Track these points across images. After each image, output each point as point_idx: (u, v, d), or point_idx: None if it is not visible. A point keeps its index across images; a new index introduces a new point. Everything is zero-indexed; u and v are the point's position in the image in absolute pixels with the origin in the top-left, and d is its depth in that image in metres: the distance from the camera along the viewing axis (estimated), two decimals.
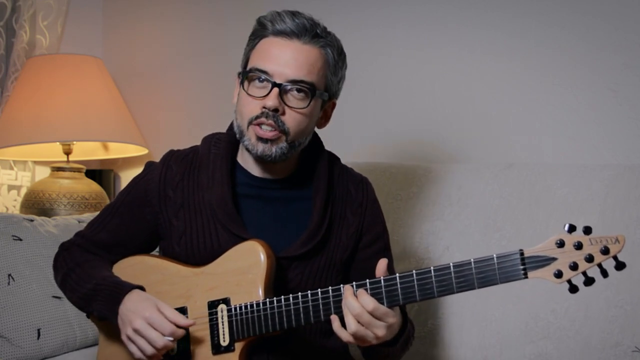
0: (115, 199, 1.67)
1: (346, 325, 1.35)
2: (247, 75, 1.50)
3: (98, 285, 1.54)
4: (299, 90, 1.49)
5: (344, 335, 1.35)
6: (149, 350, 1.44)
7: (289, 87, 1.48)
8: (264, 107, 1.48)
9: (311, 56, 1.50)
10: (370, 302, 1.33)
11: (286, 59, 1.48)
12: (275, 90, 1.47)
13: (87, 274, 1.58)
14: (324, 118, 1.61)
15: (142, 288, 1.53)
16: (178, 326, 1.44)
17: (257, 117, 1.48)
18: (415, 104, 2.34)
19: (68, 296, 1.62)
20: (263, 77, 1.48)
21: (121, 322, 1.48)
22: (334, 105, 1.61)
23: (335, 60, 1.54)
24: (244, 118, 1.51)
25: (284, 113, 1.49)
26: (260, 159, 1.53)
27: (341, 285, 1.38)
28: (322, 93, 1.53)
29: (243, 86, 1.51)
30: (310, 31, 1.50)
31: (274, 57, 1.49)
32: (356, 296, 1.35)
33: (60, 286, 1.65)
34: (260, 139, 1.49)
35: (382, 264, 1.38)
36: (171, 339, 1.44)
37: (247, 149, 1.52)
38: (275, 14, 1.51)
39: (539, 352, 1.70)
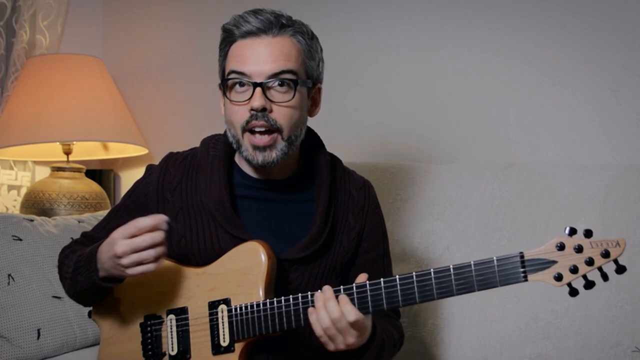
0: (118, 203, 1.68)
1: (319, 321, 1.34)
2: (226, 82, 1.49)
3: (77, 261, 1.53)
4: (281, 84, 1.48)
5: (318, 329, 1.35)
6: (146, 254, 1.39)
7: (270, 83, 1.47)
8: (252, 110, 1.46)
9: (285, 47, 1.48)
10: (352, 314, 1.33)
11: (260, 56, 1.47)
12: (258, 90, 1.46)
13: (72, 258, 1.57)
14: (314, 105, 1.59)
15: None
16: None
17: (247, 122, 1.47)
18: (415, 104, 2.34)
19: (65, 289, 1.62)
20: (243, 80, 1.47)
21: (109, 267, 1.44)
22: (319, 90, 1.60)
23: (308, 45, 1.52)
24: (236, 126, 1.50)
25: (272, 110, 1.47)
26: (261, 167, 1.52)
27: (341, 287, 1.37)
28: (305, 81, 1.51)
29: (226, 95, 1.50)
30: (276, 24, 1.48)
31: (248, 57, 1.47)
32: (338, 301, 1.34)
33: (61, 280, 1.64)
34: (257, 147, 1.48)
35: (360, 279, 1.38)
36: (161, 234, 1.38)
37: (247, 160, 1.51)
38: (238, 17, 1.50)
39: (539, 352, 1.70)
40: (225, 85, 1.50)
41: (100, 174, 3.04)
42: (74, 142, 2.78)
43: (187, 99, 2.93)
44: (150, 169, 1.65)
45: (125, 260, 1.40)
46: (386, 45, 2.40)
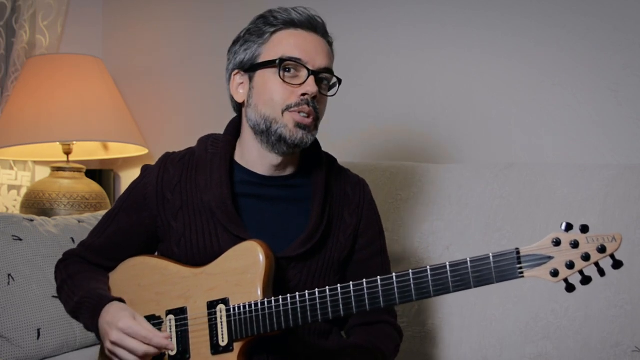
0: (114, 205, 1.67)
1: None
2: (282, 62, 1.51)
3: (83, 298, 1.54)
4: (328, 79, 1.55)
5: None
6: (127, 356, 1.44)
7: (322, 75, 1.53)
8: (304, 95, 1.50)
9: (328, 48, 1.57)
10: None
11: (314, 48, 1.53)
12: (313, 77, 1.50)
13: (77, 286, 1.58)
14: None
15: (122, 300, 1.53)
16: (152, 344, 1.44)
17: (296, 104, 1.50)
18: (416, 104, 2.34)
19: (65, 308, 1.63)
20: (296, 65, 1.51)
21: (102, 336, 1.49)
22: None
23: (334, 54, 1.59)
24: (277, 106, 1.51)
25: (318, 100, 1.53)
26: (294, 147, 1.53)
27: (338, 285, 1.37)
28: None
29: (280, 74, 1.50)
30: (322, 27, 1.56)
31: (302, 46, 1.52)
32: None
33: (58, 297, 1.65)
34: (299, 125, 1.50)
35: None
36: (152, 350, 1.43)
37: (281, 138, 1.51)
38: (286, 8, 1.55)
39: (539, 352, 1.70)
40: (281, 65, 1.51)
41: (100, 174, 3.03)
42: (74, 142, 2.78)
43: (187, 99, 2.93)
44: (146, 169, 1.64)
45: (110, 346, 1.46)
46: (386, 45, 2.40)
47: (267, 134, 1.53)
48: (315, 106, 1.51)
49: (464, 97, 2.25)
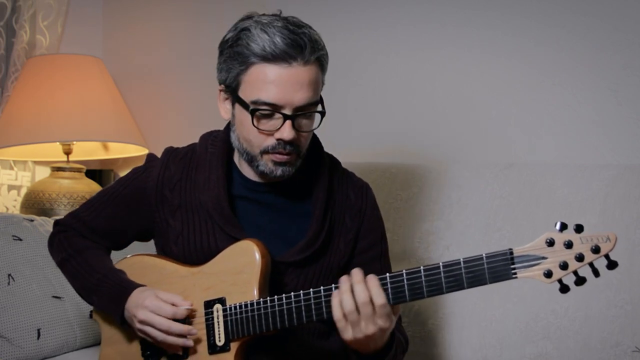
0: (113, 186, 1.66)
1: (342, 304, 1.32)
2: (255, 111, 1.43)
3: (102, 280, 1.55)
4: (309, 116, 1.46)
5: (337, 313, 1.32)
6: (160, 335, 1.46)
7: (300, 116, 1.45)
8: (280, 139, 1.44)
9: (313, 75, 1.44)
10: (381, 297, 1.30)
11: (291, 86, 1.41)
12: (289, 122, 1.43)
13: (90, 264, 1.59)
14: None
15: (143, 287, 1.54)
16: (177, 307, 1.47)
17: (273, 148, 1.45)
18: (415, 104, 2.34)
19: (68, 280, 1.64)
20: (272, 110, 1.42)
21: (130, 321, 1.51)
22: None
23: (327, 63, 1.50)
24: (254, 148, 1.47)
25: (298, 139, 1.46)
26: (276, 179, 1.51)
27: (332, 285, 1.37)
28: (323, 106, 1.50)
29: (253, 122, 1.44)
30: (305, 47, 1.41)
31: (277, 86, 1.41)
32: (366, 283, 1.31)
33: (59, 266, 1.66)
34: (278, 163, 1.47)
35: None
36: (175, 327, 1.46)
37: (262, 172, 1.49)
38: (262, 34, 1.41)
39: (539, 352, 1.70)
40: (254, 112, 1.43)
41: (100, 174, 3.04)
42: (74, 142, 2.78)
43: (187, 99, 2.93)
44: (151, 160, 1.64)
45: (140, 326, 1.48)
46: (386, 45, 2.40)
47: (249, 163, 1.52)
48: (293, 147, 1.45)
49: (464, 97, 2.24)
